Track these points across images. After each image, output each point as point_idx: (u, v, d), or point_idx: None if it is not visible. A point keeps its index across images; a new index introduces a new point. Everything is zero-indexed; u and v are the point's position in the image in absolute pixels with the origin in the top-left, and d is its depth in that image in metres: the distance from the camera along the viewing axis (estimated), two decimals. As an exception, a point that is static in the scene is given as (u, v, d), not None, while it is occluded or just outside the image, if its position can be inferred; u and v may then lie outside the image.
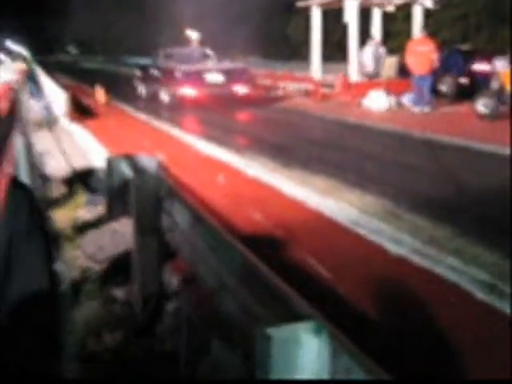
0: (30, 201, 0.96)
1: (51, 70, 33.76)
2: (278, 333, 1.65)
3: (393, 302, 3.91)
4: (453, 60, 15.32)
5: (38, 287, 0.90)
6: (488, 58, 14.17)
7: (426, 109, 13.84)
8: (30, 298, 0.93)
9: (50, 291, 0.96)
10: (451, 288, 3.99)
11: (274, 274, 2.40)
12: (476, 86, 13.87)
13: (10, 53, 45.26)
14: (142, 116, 14.96)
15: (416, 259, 4.52)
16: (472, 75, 14.75)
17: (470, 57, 15.32)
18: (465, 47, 17.92)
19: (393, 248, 4.75)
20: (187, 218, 3.44)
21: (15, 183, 0.88)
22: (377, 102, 14.80)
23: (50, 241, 0.90)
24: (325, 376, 1.65)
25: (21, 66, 22.02)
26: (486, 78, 13.55)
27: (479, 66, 14.60)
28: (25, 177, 4.87)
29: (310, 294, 2.54)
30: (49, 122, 11.58)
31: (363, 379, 1.54)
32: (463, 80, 14.98)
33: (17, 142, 5.29)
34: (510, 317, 3.52)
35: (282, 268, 3.47)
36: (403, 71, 17.21)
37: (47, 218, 1.09)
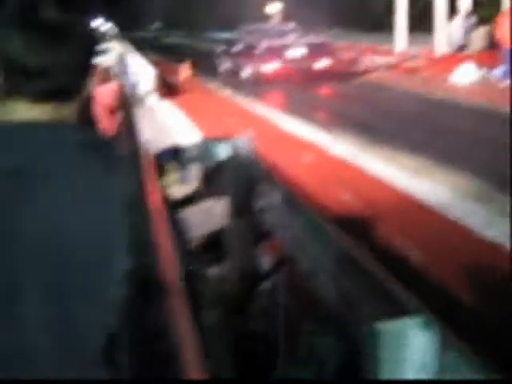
0: None
1: (136, 46, 34.56)
2: (387, 327, 1.69)
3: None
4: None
5: None
6: None
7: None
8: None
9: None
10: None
11: (372, 260, 2.43)
12: None
13: (103, 33, 46.48)
14: (227, 92, 15.12)
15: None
16: None
17: None
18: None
19: (487, 232, 4.65)
20: (281, 200, 3.51)
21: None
22: (467, 75, 14.27)
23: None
24: (433, 371, 1.68)
25: (118, 47, 22.64)
26: None
27: None
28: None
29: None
30: (138, 99, 11.92)
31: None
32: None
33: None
34: None
35: (375, 252, 3.51)
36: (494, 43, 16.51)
37: None
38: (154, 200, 0.75)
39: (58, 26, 0.96)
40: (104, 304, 0.84)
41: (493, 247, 4.41)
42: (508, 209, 5.15)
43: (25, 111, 0.97)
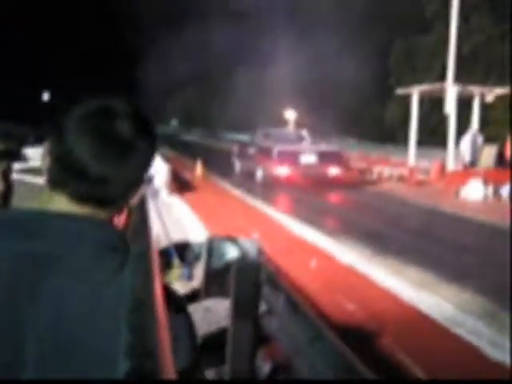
0: (177, 301, 1.05)
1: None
2: None
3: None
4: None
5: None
6: None
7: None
8: None
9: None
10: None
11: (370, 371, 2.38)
12: None
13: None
14: (237, 192, 15.35)
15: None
16: None
17: None
18: None
19: (491, 352, 4.56)
20: (285, 306, 3.48)
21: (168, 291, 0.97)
22: (474, 191, 14.49)
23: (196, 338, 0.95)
24: None
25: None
26: None
27: None
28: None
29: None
30: (151, 194, 12.10)
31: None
32: None
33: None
34: None
35: (375, 364, 3.43)
36: (501, 161, 16.91)
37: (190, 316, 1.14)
38: (160, 299, 0.77)
39: (128, 142, 1.02)
40: None
41: (499, 367, 4.30)
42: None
43: (65, 205, 1.01)
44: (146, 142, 1.06)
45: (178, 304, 1.11)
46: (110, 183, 1.01)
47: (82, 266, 0.94)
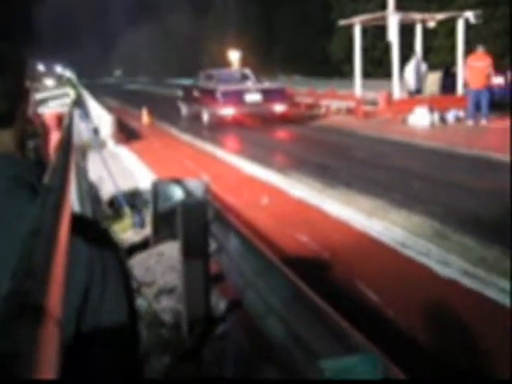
0: (102, 237, 0.97)
1: (98, 92, 34.61)
2: (333, 365, 1.64)
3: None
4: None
5: (119, 332, 0.90)
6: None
7: (484, 122, 13.89)
8: (112, 347, 0.93)
9: (132, 332, 0.95)
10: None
11: (323, 301, 2.38)
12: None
13: (59, 77, 46.71)
14: (185, 136, 15.15)
15: (465, 281, 4.43)
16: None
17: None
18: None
19: (441, 270, 4.67)
20: (234, 242, 3.45)
21: (82, 220, 0.89)
22: (421, 118, 14.67)
23: (129, 275, 0.89)
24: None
25: (69, 91, 22.67)
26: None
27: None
28: (80, 203, 4.98)
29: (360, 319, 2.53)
30: (97, 144, 11.83)
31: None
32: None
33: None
34: None
35: (330, 292, 3.47)
36: (445, 87, 17.15)
37: (122, 252, 1.08)
38: (64, 229, 0.69)
39: None
40: None
41: (448, 284, 4.41)
42: (463, 248, 5.20)
43: None
44: (9, 48, 1.02)
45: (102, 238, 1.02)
46: None
47: None
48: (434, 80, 17.67)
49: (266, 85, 18.05)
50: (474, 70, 14.24)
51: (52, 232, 0.72)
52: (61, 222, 0.80)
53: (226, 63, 29.75)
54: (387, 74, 19.64)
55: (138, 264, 5.04)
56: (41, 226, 0.73)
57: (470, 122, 14.29)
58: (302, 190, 7.89)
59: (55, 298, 0.58)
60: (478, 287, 4.30)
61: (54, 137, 4.67)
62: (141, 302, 4.25)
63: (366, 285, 4.43)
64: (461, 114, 15.09)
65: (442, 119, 14.89)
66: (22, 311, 0.52)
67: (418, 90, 17.20)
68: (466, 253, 5.03)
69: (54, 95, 19.33)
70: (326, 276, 4.70)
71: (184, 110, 19.71)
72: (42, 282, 0.57)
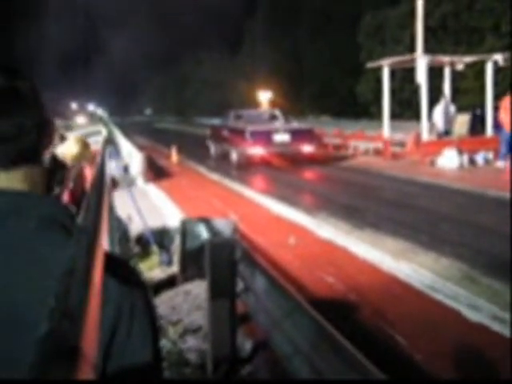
0: (131, 276, 0.99)
1: (128, 130, 35.24)
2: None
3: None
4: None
5: (142, 372, 0.91)
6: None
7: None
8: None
9: (155, 372, 0.97)
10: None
11: (348, 341, 2.36)
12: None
13: (91, 115, 47.81)
14: (213, 175, 15.28)
15: (496, 327, 4.34)
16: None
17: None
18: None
19: (470, 314, 4.58)
20: (262, 283, 3.45)
21: (111, 258, 0.91)
22: (449, 160, 14.59)
23: (155, 315, 0.90)
24: None
25: (102, 129, 23.16)
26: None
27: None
28: (109, 241, 5.05)
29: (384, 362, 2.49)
30: (126, 182, 12.00)
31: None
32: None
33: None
34: None
35: (355, 335, 3.43)
36: (474, 129, 17.07)
37: (149, 291, 1.10)
38: (99, 269, 0.72)
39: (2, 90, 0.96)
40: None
41: (477, 329, 4.33)
42: (492, 291, 5.11)
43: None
44: (23, 85, 0.99)
45: (131, 277, 1.04)
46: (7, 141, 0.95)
47: (23, 240, 0.90)
48: (462, 122, 17.64)
49: (295, 125, 18.23)
50: (509, 111, 14.09)
51: (87, 273, 0.75)
52: (95, 262, 0.84)
53: (254, 102, 30.10)
54: (416, 116, 19.67)
55: (165, 302, 5.05)
56: (76, 266, 0.77)
57: (500, 164, 14.17)
58: (329, 230, 7.87)
59: (91, 339, 0.61)
60: (508, 333, 4.21)
61: (88, 173, 4.75)
62: (165, 342, 4.25)
63: (393, 328, 4.37)
64: (490, 155, 14.99)
65: (471, 161, 14.79)
66: (60, 353, 0.54)
67: (447, 132, 17.17)
68: (494, 297, 4.94)
69: (86, 133, 19.73)
70: (352, 318, 4.65)
71: (213, 148, 19.96)
72: (79, 323, 0.59)
